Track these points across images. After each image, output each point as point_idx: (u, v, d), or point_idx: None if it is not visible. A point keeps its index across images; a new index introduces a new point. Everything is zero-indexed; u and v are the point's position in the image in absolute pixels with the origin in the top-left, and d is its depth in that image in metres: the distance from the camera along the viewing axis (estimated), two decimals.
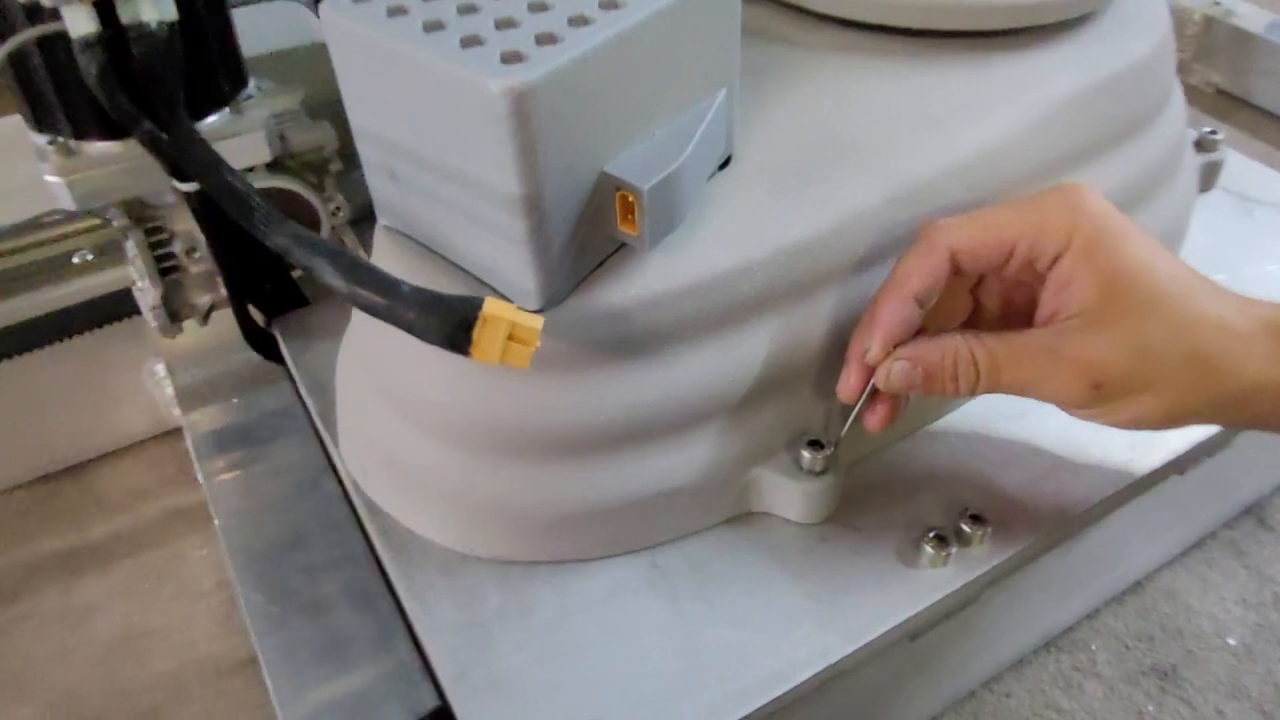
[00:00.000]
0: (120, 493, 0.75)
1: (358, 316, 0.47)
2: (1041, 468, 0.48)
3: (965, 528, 0.44)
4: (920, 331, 0.41)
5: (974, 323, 0.44)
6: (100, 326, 0.68)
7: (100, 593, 0.69)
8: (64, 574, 0.71)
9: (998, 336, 0.40)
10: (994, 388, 0.40)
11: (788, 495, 0.45)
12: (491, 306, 0.30)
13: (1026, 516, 0.46)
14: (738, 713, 0.39)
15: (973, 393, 0.41)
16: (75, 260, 0.70)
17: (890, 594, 0.43)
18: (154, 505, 0.75)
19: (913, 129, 0.47)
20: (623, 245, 0.40)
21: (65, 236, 0.70)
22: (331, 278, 0.30)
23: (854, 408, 0.43)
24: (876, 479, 0.48)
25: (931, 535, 0.44)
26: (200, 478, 0.62)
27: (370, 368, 0.46)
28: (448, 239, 0.40)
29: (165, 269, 0.54)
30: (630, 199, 0.37)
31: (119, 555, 0.72)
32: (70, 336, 0.69)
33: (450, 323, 0.30)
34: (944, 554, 0.44)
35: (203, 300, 0.56)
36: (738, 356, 0.42)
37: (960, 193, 0.46)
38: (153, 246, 0.52)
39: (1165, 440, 0.49)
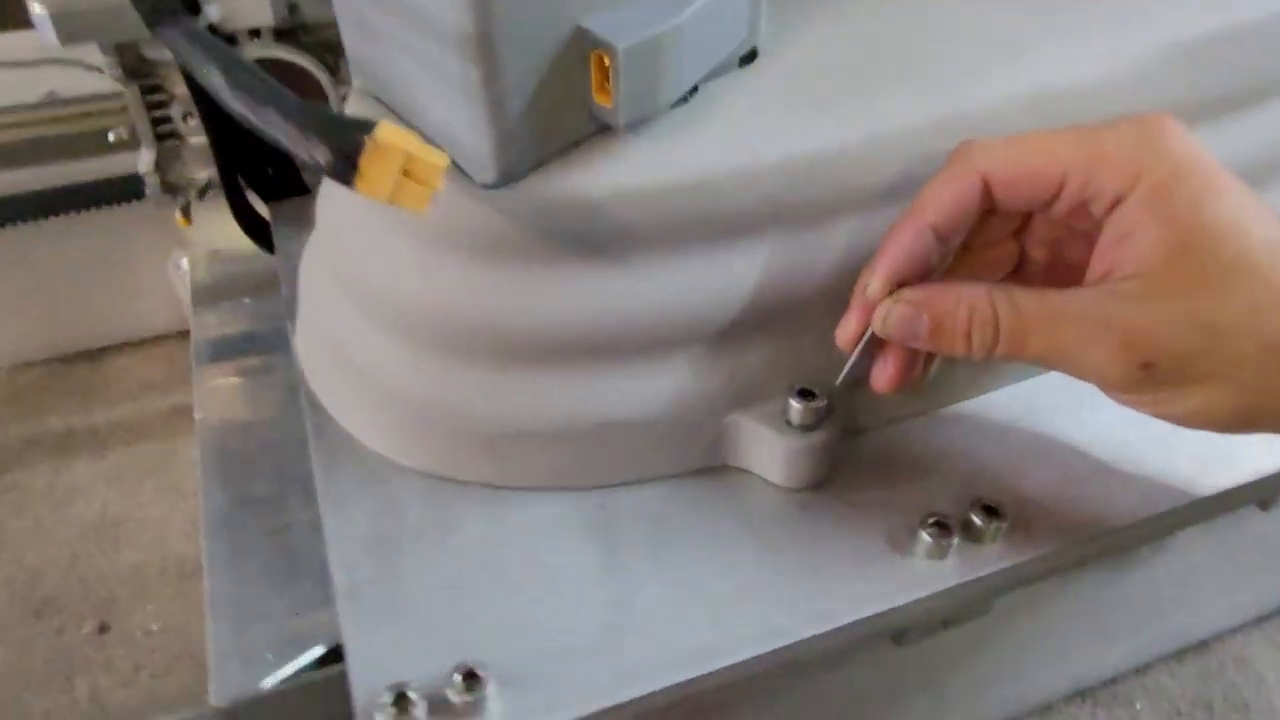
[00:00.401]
0: (131, 382, 0.74)
1: (326, 190, 0.43)
2: (1083, 468, 0.40)
3: (975, 519, 0.37)
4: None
5: (1020, 278, 0.37)
6: (127, 201, 0.66)
7: (89, 476, 0.68)
8: (59, 453, 0.70)
9: (1033, 293, 0.32)
10: (1017, 353, 0.33)
11: (769, 450, 0.39)
12: (386, 132, 0.25)
13: (1054, 519, 0.38)
14: (657, 683, 0.33)
15: (989, 356, 0.33)
16: (110, 138, 0.68)
17: (869, 580, 0.36)
18: (160, 400, 0.73)
19: (985, 51, 0.40)
20: (605, 129, 0.35)
21: (103, 113, 0.69)
22: (213, 78, 0.26)
23: (852, 354, 0.36)
24: (882, 453, 0.41)
25: (932, 521, 0.37)
26: (194, 374, 0.59)
27: (328, 248, 0.42)
28: (410, 97, 0.35)
29: (163, 134, 0.51)
30: (607, 62, 0.31)
31: (115, 443, 0.70)
32: (96, 207, 0.68)
33: (335, 145, 0.25)
34: (944, 544, 0.36)
35: (200, 175, 0.53)
36: (728, 277, 0.36)
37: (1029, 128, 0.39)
38: (150, 107, 0.50)
39: (1245, 458, 0.40)
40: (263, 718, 0.39)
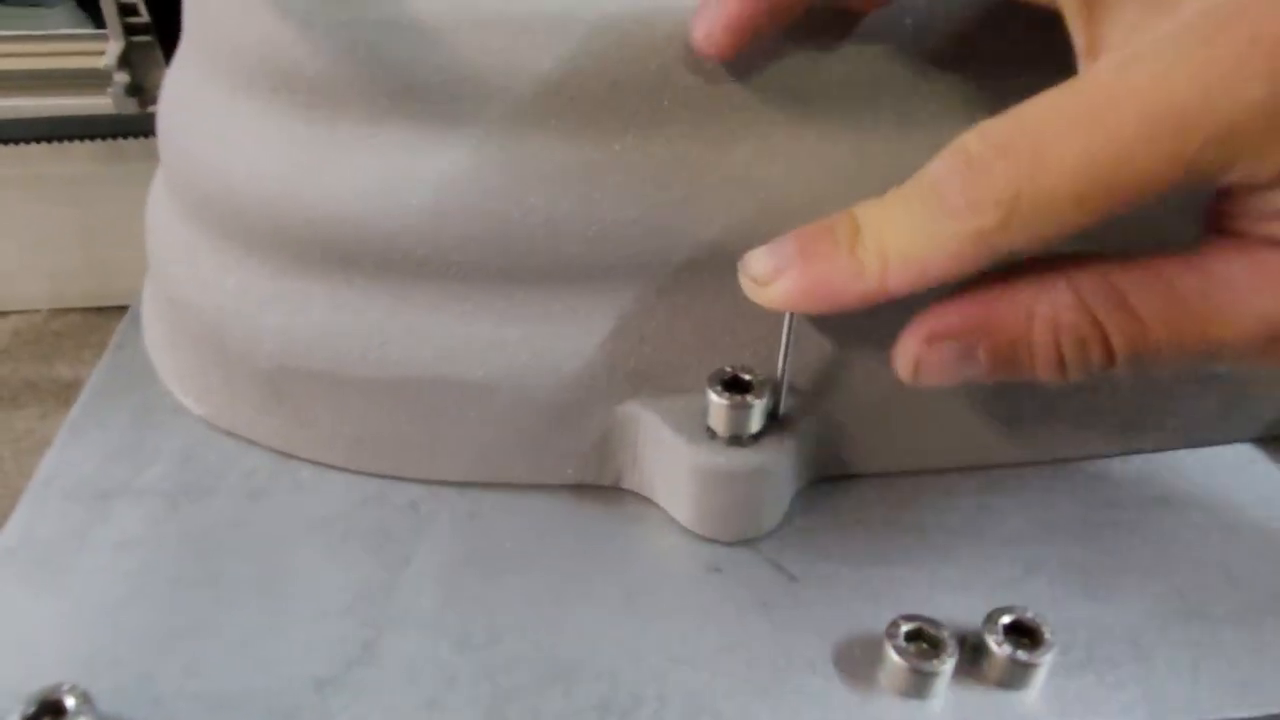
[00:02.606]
0: None
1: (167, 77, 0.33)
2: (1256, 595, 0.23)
3: (991, 641, 0.21)
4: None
5: None
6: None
7: None
8: (54, 403, 0.65)
9: (1149, 277, 0.18)
10: (1145, 363, 0.19)
11: (674, 469, 0.24)
12: None
13: (1168, 679, 0.22)
14: None
15: (1103, 371, 0.19)
16: None
17: (782, 709, 0.21)
18: None
19: None
20: None
21: None
22: None
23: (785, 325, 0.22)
24: (869, 515, 0.26)
25: (909, 630, 0.21)
26: None
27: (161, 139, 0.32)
28: None
29: (135, 26, 0.44)
30: None
31: None
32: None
33: None
34: (926, 671, 0.21)
35: None
36: (635, 175, 0.23)
37: None
38: None
39: None
40: None
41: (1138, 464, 0.28)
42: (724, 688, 0.21)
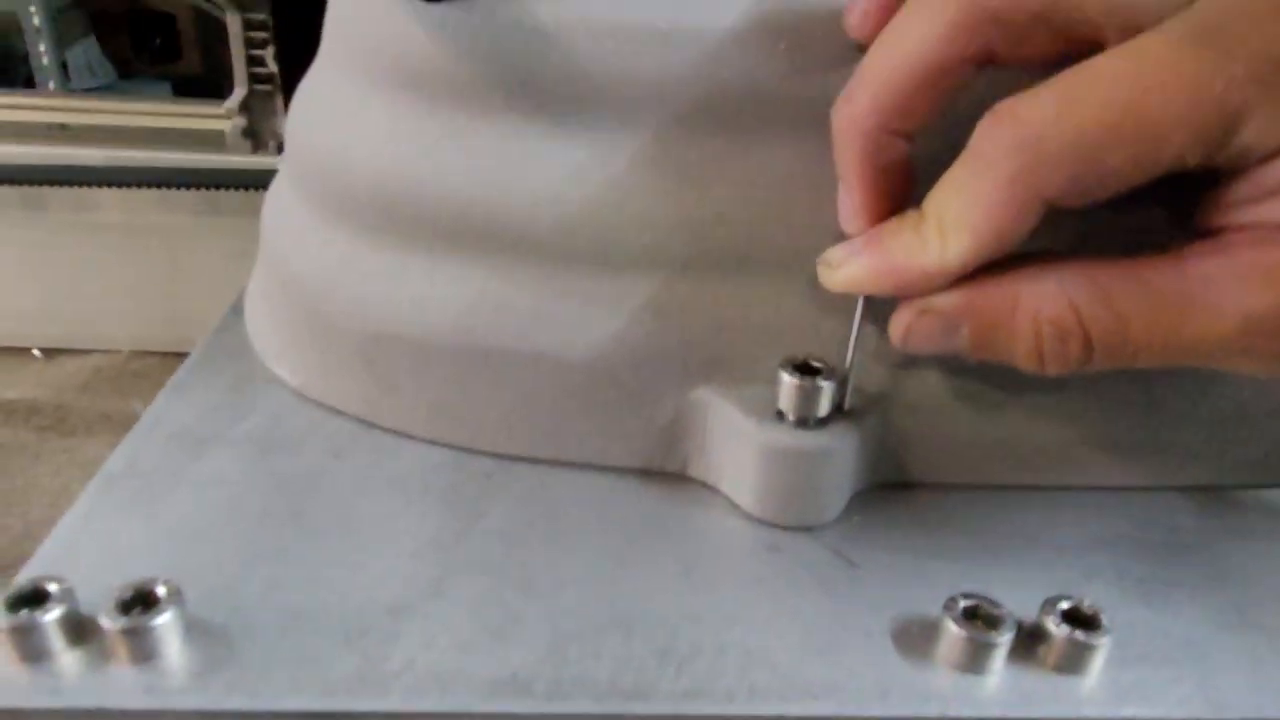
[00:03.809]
0: None
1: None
2: None
3: (1050, 624, 0.21)
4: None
5: None
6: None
7: None
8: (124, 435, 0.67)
9: (1129, 276, 0.20)
10: (1121, 360, 0.21)
11: (741, 451, 0.25)
12: None
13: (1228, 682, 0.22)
14: (412, 704, 0.20)
15: (1080, 366, 0.21)
16: None
17: (833, 667, 0.21)
18: None
19: None
20: None
21: None
22: None
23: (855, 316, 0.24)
24: (935, 518, 0.26)
25: (967, 607, 0.22)
26: None
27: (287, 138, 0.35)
28: None
29: (259, 76, 0.49)
30: None
31: None
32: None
33: None
34: (983, 646, 0.21)
35: None
36: (721, 172, 0.25)
37: None
38: (251, 45, 0.48)
39: None
40: None
41: (1198, 496, 0.28)
42: (780, 646, 0.22)
